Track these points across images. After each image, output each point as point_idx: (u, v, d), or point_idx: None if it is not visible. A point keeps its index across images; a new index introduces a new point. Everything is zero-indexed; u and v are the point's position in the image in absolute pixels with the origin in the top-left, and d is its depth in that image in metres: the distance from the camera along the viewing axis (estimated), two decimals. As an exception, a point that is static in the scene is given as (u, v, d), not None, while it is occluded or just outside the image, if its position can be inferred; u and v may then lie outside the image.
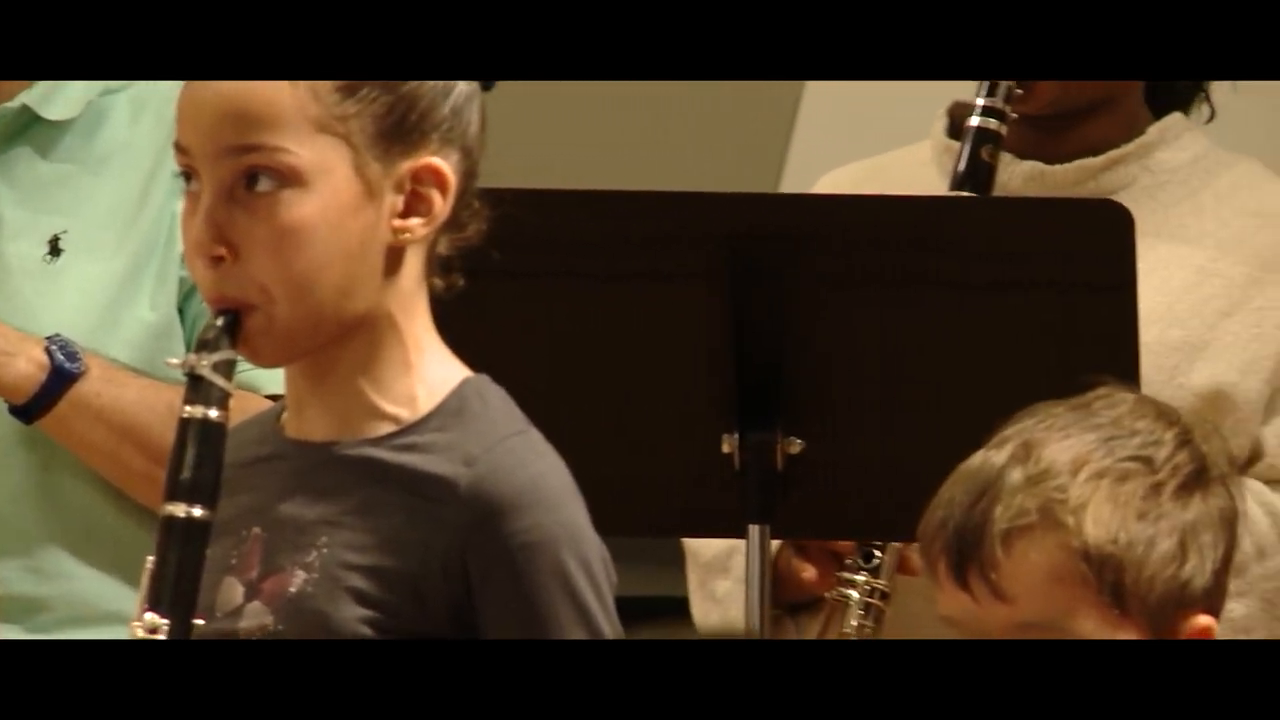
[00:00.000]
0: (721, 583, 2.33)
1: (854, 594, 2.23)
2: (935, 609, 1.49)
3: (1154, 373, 2.14)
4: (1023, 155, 2.30)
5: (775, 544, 2.23)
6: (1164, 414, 1.48)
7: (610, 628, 1.50)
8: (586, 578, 1.49)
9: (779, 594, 2.26)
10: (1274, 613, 2.17)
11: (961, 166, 2.23)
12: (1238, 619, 2.10)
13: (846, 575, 2.24)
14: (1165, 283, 2.21)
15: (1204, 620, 1.43)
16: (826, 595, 2.27)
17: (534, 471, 1.51)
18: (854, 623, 2.22)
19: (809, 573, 2.28)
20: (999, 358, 2.09)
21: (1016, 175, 2.30)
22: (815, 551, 2.30)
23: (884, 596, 2.22)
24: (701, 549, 2.37)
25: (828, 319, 2.12)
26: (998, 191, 2.25)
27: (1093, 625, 1.38)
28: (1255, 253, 2.25)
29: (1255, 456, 2.25)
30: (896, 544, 2.21)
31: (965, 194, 2.25)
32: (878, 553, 2.22)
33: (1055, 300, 2.08)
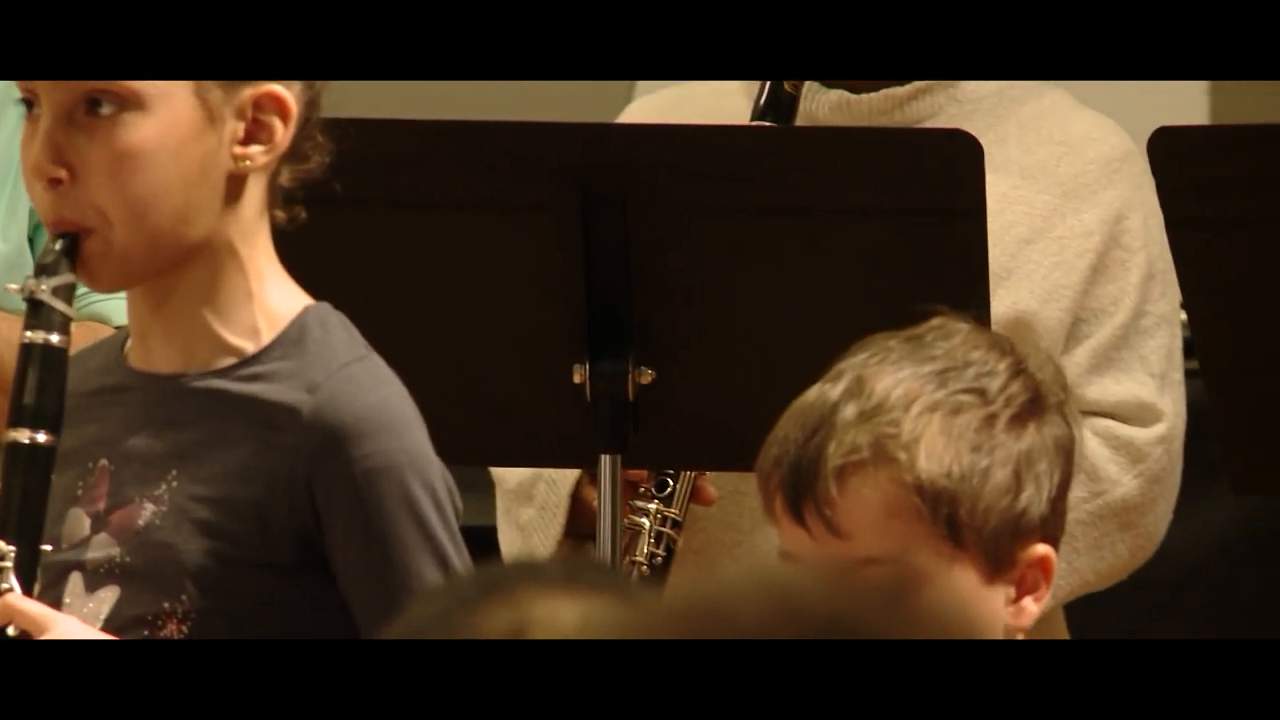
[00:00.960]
0: (525, 510, 2.32)
1: (645, 522, 2.23)
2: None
3: None
4: (829, 84, 2.29)
5: (573, 473, 2.24)
6: (998, 344, 1.47)
7: (456, 553, 1.52)
8: (432, 503, 1.50)
9: (576, 523, 2.27)
10: (1073, 544, 2.16)
11: (764, 97, 2.21)
12: None
13: (639, 504, 2.24)
14: None
15: (1041, 549, 1.42)
16: (621, 523, 2.25)
17: (376, 397, 1.52)
18: (645, 550, 2.22)
19: None
20: (850, 285, 2.11)
21: (823, 104, 2.29)
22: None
23: (676, 525, 2.23)
24: (507, 476, 2.35)
25: (678, 249, 2.13)
26: (803, 121, 2.24)
27: (928, 557, 1.37)
28: (1058, 181, 2.27)
29: None
30: (689, 473, 2.22)
31: (818, 126, 2.25)
32: (671, 481, 2.22)
33: (907, 227, 2.10)
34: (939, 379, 1.40)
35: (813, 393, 1.43)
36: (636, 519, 2.22)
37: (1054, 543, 1.46)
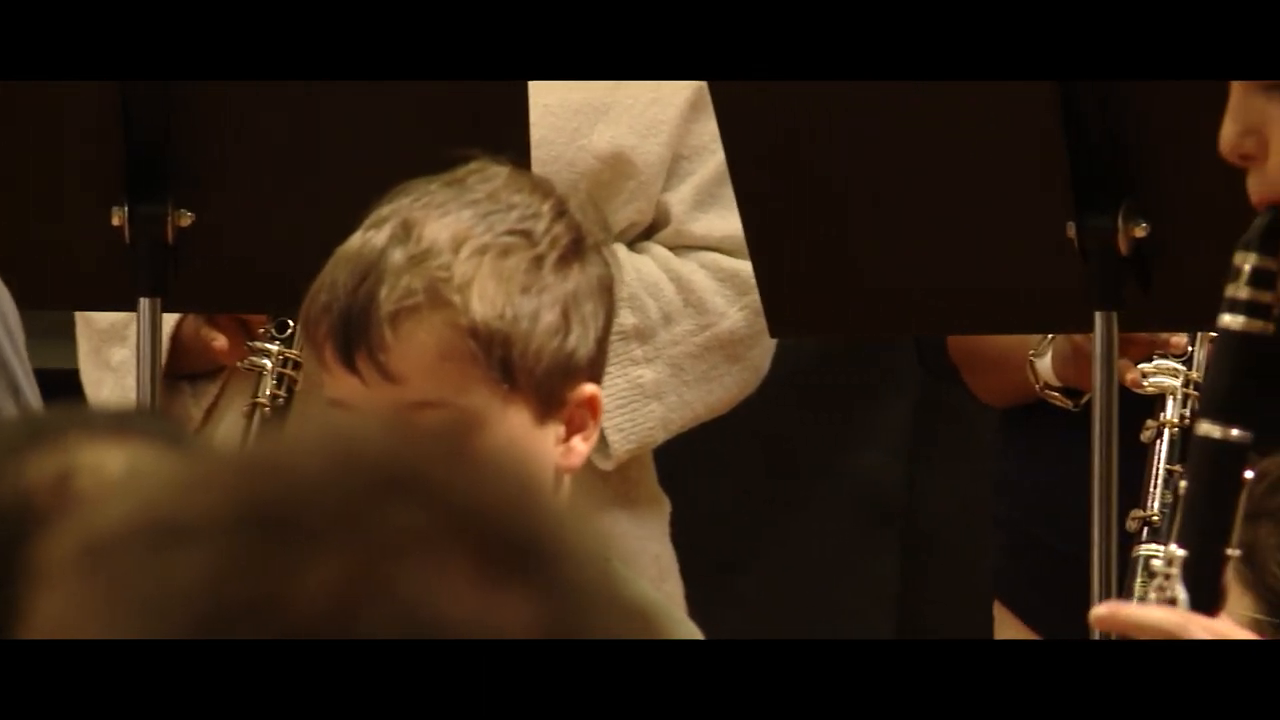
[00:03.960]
0: (118, 351, 2.28)
1: (268, 363, 2.22)
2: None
3: (555, 135, 2.15)
4: None
5: (174, 315, 2.20)
6: (539, 186, 1.46)
7: (29, 385, 1.46)
8: (3, 329, 1.44)
9: (186, 363, 2.23)
10: (682, 377, 2.19)
11: None
12: (648, 384, 2.15)
13: (259, 345, 2.24)
14: None
15: (589, 389, 1.43)
16: (239, 364, 2.26)
17: None
18: (267, 392, 2.21)
19: (220, 342, 2.27)
20: (390, 130, 2.08)
21: None
22: (226, 321, 2.28)
23: (296, 366, 2.22)
24: (97, 316, 2.30)
25: (215, 92, 2.07)
26: None
27: (482, 400, 1.37)
28: None
29: (661, 222, 2.26)
30: None
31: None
32: (291, 322, 2.19)
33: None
34: (485, 221, 1.39)
35: (357, 239, 1.41)
36: (258, 360, 2.19)
37: (598, 381, 1.46)
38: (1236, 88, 1.28)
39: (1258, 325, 1.33)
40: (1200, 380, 2.26)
